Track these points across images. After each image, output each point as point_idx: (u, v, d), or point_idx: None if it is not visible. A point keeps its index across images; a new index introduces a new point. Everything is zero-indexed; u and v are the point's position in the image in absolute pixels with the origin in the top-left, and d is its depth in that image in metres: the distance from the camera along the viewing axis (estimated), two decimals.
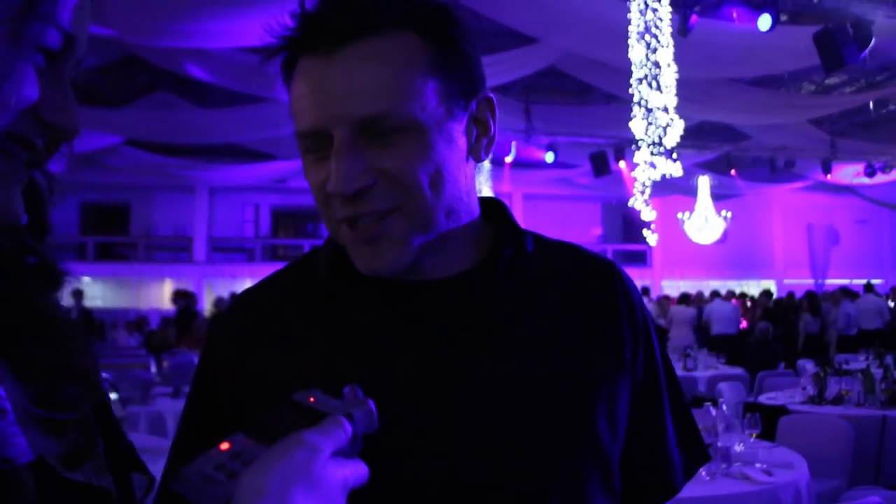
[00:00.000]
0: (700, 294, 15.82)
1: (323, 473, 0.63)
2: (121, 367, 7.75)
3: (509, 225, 1.00)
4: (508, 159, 16.87)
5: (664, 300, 15.01)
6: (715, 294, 14.49)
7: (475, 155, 0.94)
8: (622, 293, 1.01)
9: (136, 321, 16.92)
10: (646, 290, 15.63)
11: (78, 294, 11.37)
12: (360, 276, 0.92)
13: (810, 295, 14.22)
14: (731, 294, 15.67)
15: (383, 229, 0.87)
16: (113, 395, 4.43)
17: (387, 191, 0.86)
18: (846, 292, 14.13)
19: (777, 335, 11.82)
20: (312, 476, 0.62)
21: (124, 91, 14.40)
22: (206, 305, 15.92)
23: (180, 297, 12.82)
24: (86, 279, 21.56)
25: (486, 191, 16.44)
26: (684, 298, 13.90)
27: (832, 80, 15.29)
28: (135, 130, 14.41)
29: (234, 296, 1.09)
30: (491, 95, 0.94)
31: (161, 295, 21.53)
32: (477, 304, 0.92)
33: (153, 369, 8.26)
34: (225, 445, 0.66)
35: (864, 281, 15.01)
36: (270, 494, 0.60)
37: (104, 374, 4.52)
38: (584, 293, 0.99)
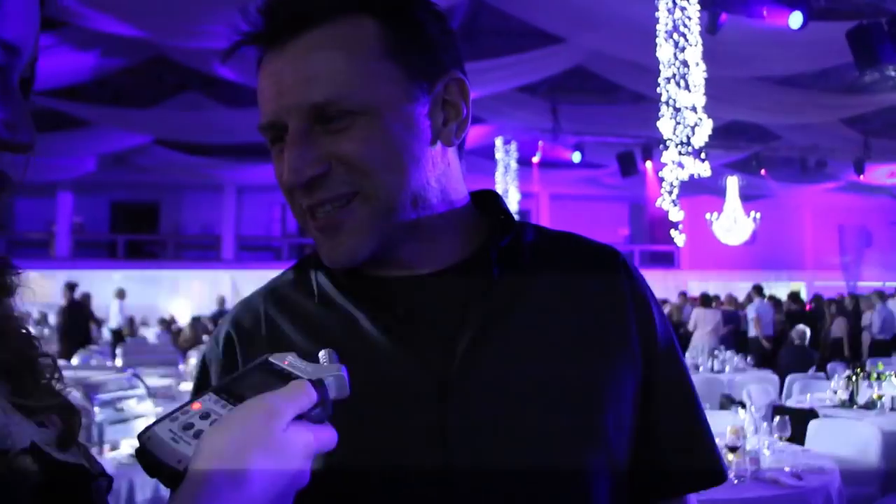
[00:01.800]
0: (731, 296, 15.40)
1: (283, 437, 0.63)
2: (149, 364, 7.83)
3: (503, 215, 0.97)
4: (535, 159, 16.83)
5: (682, 299, 14.44)
6: (758, 291, 13.55)
7: (444, 139, 0.91)
8: (627, 282, 0.98)
9: (165, 319, 17.10)
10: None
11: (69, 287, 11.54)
12: (351, 276, 0.91)
13: (839, 300, 13.91)
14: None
15: (343, 216, 0.86)
16: (140, 390, 4.47)
17: (344, 175, 0.85)
18: (881, 295, 13.86)
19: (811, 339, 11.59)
20: (272, 440, 0.62)
21: (154, 91, 14.53)
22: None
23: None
24: (116, 276, 21.86)
25: (512, 191, 16.41)
26: (706, 300, 13.39)
27: (866, 79, 15.06)
28: (164, 130, 14.56)
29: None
30: (462, 76, 0.91)
31: (190, 292, 21.73)
32: (469, 297, 0.89)
33: (181, 366, 8.33)
34: (196, 405, 0.67)
35: None
36: (227, 456, 0.60)
37: (131, 370, 4.54)
38: (586, 283, 0.96)
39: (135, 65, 11.95)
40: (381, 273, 0.92)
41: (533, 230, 1.00)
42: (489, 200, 1.00)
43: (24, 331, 0.69)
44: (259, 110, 0.88)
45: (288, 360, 0.71)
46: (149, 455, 0.64)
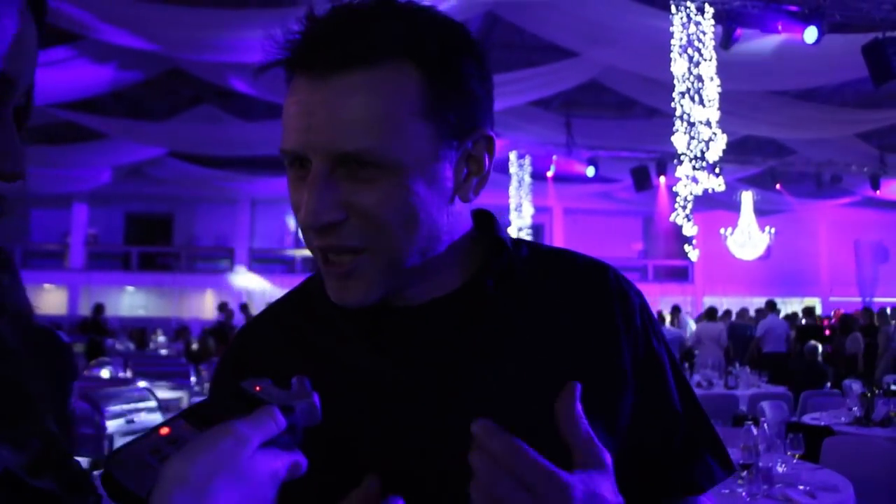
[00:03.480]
0: (744, 310, 15.29)
1: (249, 465, 0.62)
2: (161, 376, 7.84)
3: (496, 240, 0.97)
4: (549, 173, 16.82)
5: (675, 312, 14.14)
6: (771, 307, 13.13)
7: (462, 194, 0.90)
8: (618, 297, 0.98)
9: (178, 330, 17.15)
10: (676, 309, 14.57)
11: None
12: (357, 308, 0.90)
13: (848, 316, 13.71)
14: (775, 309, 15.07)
15: (353, 267, 0.85)
16: (151, 403, 4.48)
17: (357, 229, 0.84)
18: None
19: (826, 355, 11.45)
20: (237, 467, 0.61)
21: (169, 104, 14.65)
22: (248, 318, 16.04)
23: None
24: (129, 288, 21.94)
25: (526, 205, 16.40)
26: (710, 314, 13.06)
27: (881, 93, 14.99)
28: (179, 142, 14.66)
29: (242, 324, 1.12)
30: (491, 134, 0.91)
31: (202, 305, 21.81)
32: (466, 324, 0.90)
33: (192, 378, 8.34)
34: (165, 430, 0.66)
35: None
36: (192, 483, 0.60)
37: (142, 382, 4.55)
38: (578, 302, 0.96)
39: (151, 78, 12.05)
40: (382, 303, 0.91)
41: (527, 250, 1.00)
42: (485, 222, 0.99)
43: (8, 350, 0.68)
44: (282, 129, 0.87)
45: (260, 387, 0.70)
46: (114, 482, 0.63)
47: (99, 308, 13.64)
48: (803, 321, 14.00)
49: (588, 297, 0.97)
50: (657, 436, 0.98)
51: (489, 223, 0.99)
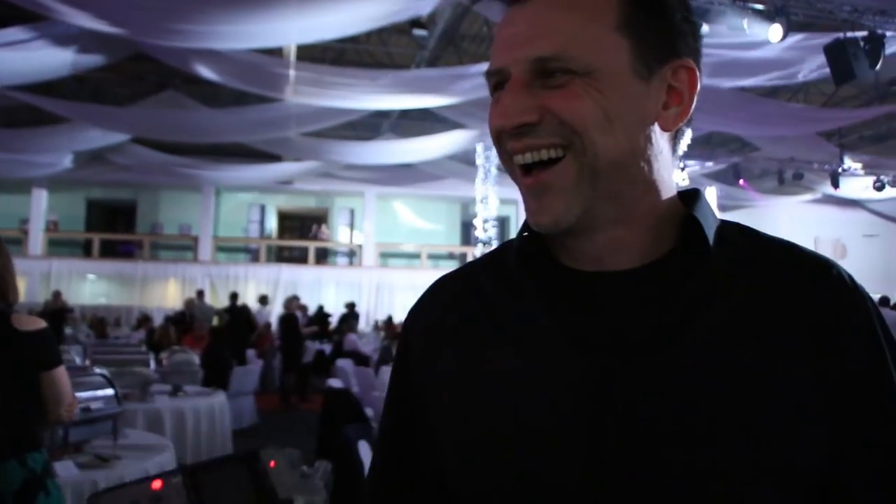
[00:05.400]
0: None
1: None
2: (121, 364, 7.73)
3: (701, 215, 0.89)
4: None
5: None
6: None
7: (661, 122, 0.88)
8: (834, 308, 0.84)
9: (140, 319, 16.95)
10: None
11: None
12: (545, 268, 0.92)
13: None
14: None
15: (551, 177, 0.86)
16: (110, 391, 4.40)
17: (555, 127, 0.85)
18: None
19: None
20: None
21: (133, 89, 14.43)
22: (218, 305, 15.89)
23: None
24: (91, 276, 21.63)
25: (492, 196, 16.43)
26: None
27: (843, 93, 15.26)
28: (142, 128, 14.44)
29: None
30: (694, 66, 0.91)
31: (165, 293, 21.57)
32: (646, 304, 0.85)
33: (152, 366, 8.24)
34: (156, 484, 0.64)
35: (872, 296, 14.88)
36: None
37: (101, 370, 4.44)
38: (783, 307, 0.84)
39: (114, 62, 11.84)
40: (569, 263, 0.92)
41: (739, 234, 0.92)
42: (692, 199, 0.93)
43: None
44: (491, 57, 0.90)
45: (275, 461, 0.66)
46: None
47: (57, 295, 13.40)
48: None
49: (796, 298, 0.85)
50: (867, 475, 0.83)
51: (697, 201, 0.92)
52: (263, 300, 16.90)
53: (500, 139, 0.90)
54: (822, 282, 0.86)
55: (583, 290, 0.90)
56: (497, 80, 0.89)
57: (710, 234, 0.87)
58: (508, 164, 0.91)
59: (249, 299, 17.60)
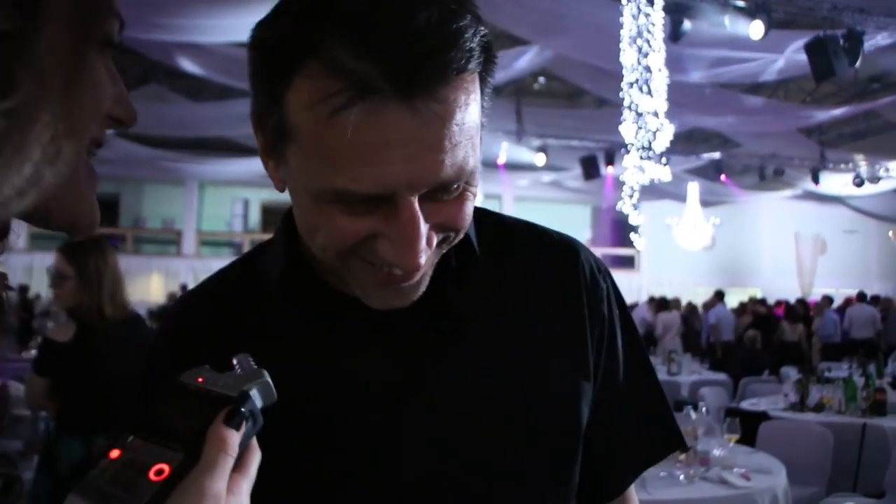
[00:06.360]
0: (690, 304, 15.66)
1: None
2: None
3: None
4: (500, 160, 16.88)
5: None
6: (719, 296, 13.86)
7: None
8: (584, 280, 0.94)
9: None
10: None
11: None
12: (307, 290, 0.87)
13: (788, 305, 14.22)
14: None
15: (425, 267, 0.78)
16: None
17: (437, 242, 0.77)
18: (829, 300, 14.24)
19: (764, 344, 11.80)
20: None
21: None
22: None
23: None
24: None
25: (478, 193, 16.43)
26: (665, 304, 13.67)
27: (824, 90, 15.38)
28: None
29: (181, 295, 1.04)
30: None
31: (148, 287, 21.45)
32: (424, 310, 0.84)
33: None
34: (115, 453, 0.59)
35: (849, 291, 15.06)
36: None
37: None
38: (542, 283, 0.92)
39: None
40: (336, 285, 0.87)
41: (493, 224, 0.95)
42: None
43: None
44: (345, 168, 0.69)
45: (202, 377, 0.64)
46: None
47: (23, 289, 13.29)
48: (762, 310, 14.39)
49: (553, 277, 0.93)
50: (615, 426, 0.96)
51: None
52: None
53: (358, 249, 0.75)
54: (577, 263, 0.95)
55: (355, 309, 0.83)
56: (362, 200, 0.71)
57: (473, 235, 0.88)
58: (343, 261, 0.77)
59: None
